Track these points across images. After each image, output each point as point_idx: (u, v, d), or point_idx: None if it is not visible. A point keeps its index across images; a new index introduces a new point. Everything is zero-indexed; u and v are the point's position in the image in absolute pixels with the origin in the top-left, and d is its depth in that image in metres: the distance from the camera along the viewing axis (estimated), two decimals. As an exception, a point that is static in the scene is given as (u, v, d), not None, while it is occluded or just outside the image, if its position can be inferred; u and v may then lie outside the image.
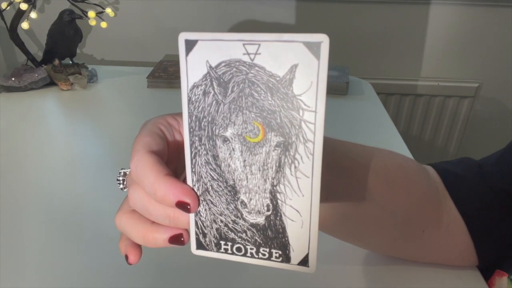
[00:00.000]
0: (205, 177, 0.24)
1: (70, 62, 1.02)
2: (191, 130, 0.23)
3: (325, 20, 1.27)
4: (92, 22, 0.99)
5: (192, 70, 0.22)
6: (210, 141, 0.23)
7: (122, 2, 1.27)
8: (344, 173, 0.34)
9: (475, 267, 0.45)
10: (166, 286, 0.44)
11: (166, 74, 1.02)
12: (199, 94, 0.22)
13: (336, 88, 0.97)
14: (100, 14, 1.00)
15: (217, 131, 0.23)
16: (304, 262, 0.24)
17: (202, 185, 0.24)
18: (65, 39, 0.97)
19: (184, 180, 0.25)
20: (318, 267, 0.44)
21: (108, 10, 1.01)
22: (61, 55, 1.00)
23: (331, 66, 1.06)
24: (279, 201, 0.23)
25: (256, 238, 0.24)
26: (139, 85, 1.02)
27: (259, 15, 1.27)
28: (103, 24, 1.00)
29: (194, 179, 0.24)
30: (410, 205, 0.39)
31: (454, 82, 1.32)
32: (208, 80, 0.22)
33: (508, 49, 1.27)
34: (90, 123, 0.85)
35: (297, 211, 0.23)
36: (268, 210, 0.23)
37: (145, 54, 1.34)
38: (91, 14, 0.97)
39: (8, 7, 0.94)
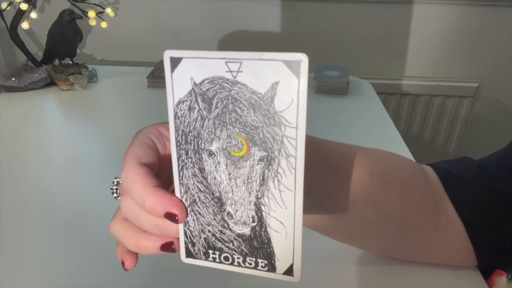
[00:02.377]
0: (192, 189, 0.25)
1: (70, 62, 1.02)
2: (178, 143, 0.24)
3: (325, 20, 1.28)
4: (92, 22, 0.99)
5: (178, 86, 0.23)
6: (196, 155, 0.24)
7: (122, 2, 1.27)
8: (338, 174, 0.35)
9: (475, 267, 0.45)
10: (164, 286, 0.44)
11: (166, 74, 1.02)
12: (184, 110, 0.23)
13: (336, 88, 0.97)
14: (100, 14, 1.00)
15: (202, 145, 0.23)
16: (289, 271, 0.25)
17: (190, 196, 0.25)
18: (65, 39, 0.97)
19: (173, 191, 0.25)
20: (317, 268, 0.45)
21: (108, 10, 1.01)
22: (61, 55, 1.00)
23: (331, 66, 1.06)
24: (263, 213, 0.24)
25: (243, 248, 0.25)
26: (139, 85, 1.02)
27: (259, 15, 1.28)
28: (103, 24, 1.01)
29: (182, 191, 0.25)
30: (407, 206, 0.39)
31: (454, 82, 1.32)
32: (193, 96, 0.22)
33: (508, 49, 1.27)
34: (90, 123, 0.85)
35: (281, 222, 0.24)
36: (253, 221, 0.24)
37: (145, 54, 1.34)
38: (91, 14, 0.97)
39: (8, 7, 0.94)
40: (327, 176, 0.34)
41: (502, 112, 1.39)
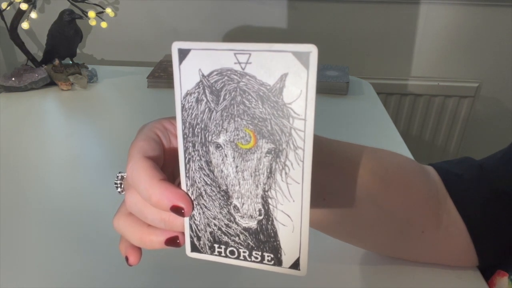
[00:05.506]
0: (198, 182, 0.25)
1: (70, 62, 1.02)
2: (185, 136, 0.24)
3: (325, 20, 1.27)
4: (92, 22, 0.99)
5: (185, 78, 0.22)
6: (203, 147, 0.24)
7: (122, 2, 1.27)
8: (341, 173, 0.35)
9: (475, 267, 0.45)
10: (166, 285, 0.44)
11: (166, 74, 1.02)
12: (192, 102, 0.23)
13: (336, 88, 0.97)
14: (100, 14, 1.00)
15: (210, 137, 0.23)
16: (295, 265, 0.25)
17: (196, 189, 0.25)
18: (65, 39, 0.97)
19: (179, 185, 0.25)
20: (318, 267, 0.45)
21: (108, 10, 1.01)
22: (61, 55, 1.00)
23: (331, 66, 1.06)
24: (270, 206, 0.24)
25: (249, 241, 0.25)
26: (139, 85, 1.02)
27: (259, 14, 1.28)
28: (103, 24, 1.01)
29: (188, 184, 0.25)
30: (409, 205, 0.39)
31: (454, 82, 1.32)
32: (201, 88, 0.22)
33: (508, 49, 1.27)
34: (90, 123, 0.85)
35: (288, 216, 0.23)
36: (260, 215, 0.24)
37: (145, 54, 1.34)
38: (91, 14, 0.97)
39: (8, 7, 0.94)
40: (330, 174, 0.34)
41: (502, 112, 1.39)
